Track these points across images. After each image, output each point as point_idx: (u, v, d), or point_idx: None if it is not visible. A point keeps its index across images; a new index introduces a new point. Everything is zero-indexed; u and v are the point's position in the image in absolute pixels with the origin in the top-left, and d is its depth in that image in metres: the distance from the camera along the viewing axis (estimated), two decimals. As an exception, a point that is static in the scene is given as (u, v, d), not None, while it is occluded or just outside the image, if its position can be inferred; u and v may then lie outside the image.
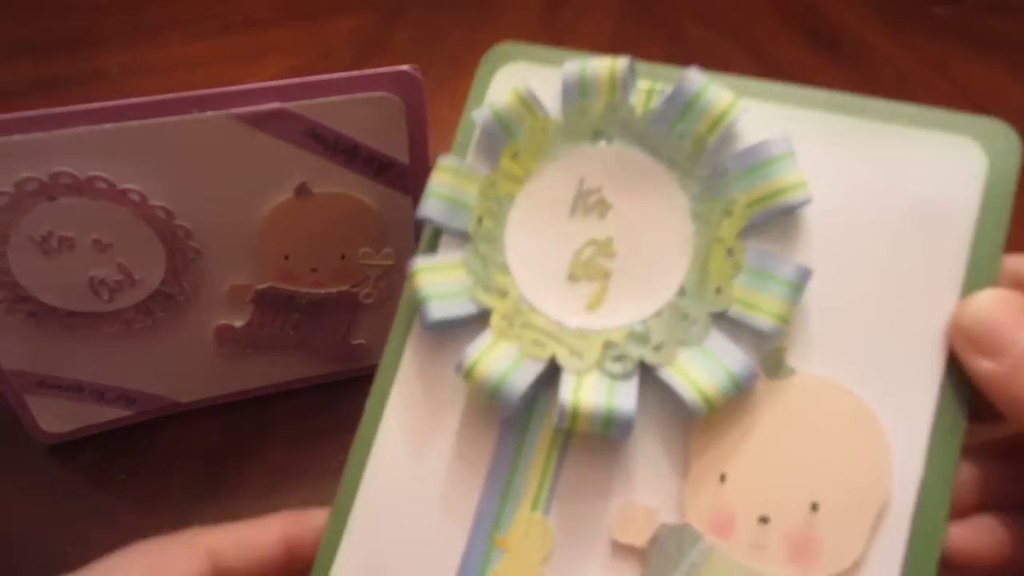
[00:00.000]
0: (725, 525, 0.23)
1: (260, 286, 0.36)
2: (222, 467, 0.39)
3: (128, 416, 0.39)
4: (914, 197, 0.23)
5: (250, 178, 0.33)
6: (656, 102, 0.25)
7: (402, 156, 0.34)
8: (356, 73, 0.31)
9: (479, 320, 0.25)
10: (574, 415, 0.23)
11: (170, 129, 0.30)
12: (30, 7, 0.64)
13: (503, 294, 0.25)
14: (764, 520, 0.22)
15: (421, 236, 0.27)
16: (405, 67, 0.32)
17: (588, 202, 0.25)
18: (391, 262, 0.37)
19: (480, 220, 0.26)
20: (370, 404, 0.26)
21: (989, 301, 0.21)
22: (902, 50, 0.61)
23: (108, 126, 0.30)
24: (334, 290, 0.37)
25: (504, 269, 0.25)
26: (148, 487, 0.38)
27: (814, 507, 0.22)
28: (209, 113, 0.30)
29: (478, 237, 0.26)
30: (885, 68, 0.58)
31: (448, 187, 0.26)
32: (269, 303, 0.37)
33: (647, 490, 0.23)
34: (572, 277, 0.25)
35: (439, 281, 0.25)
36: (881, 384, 0.22)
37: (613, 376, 0.23)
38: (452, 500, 0.24)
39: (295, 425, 0.40)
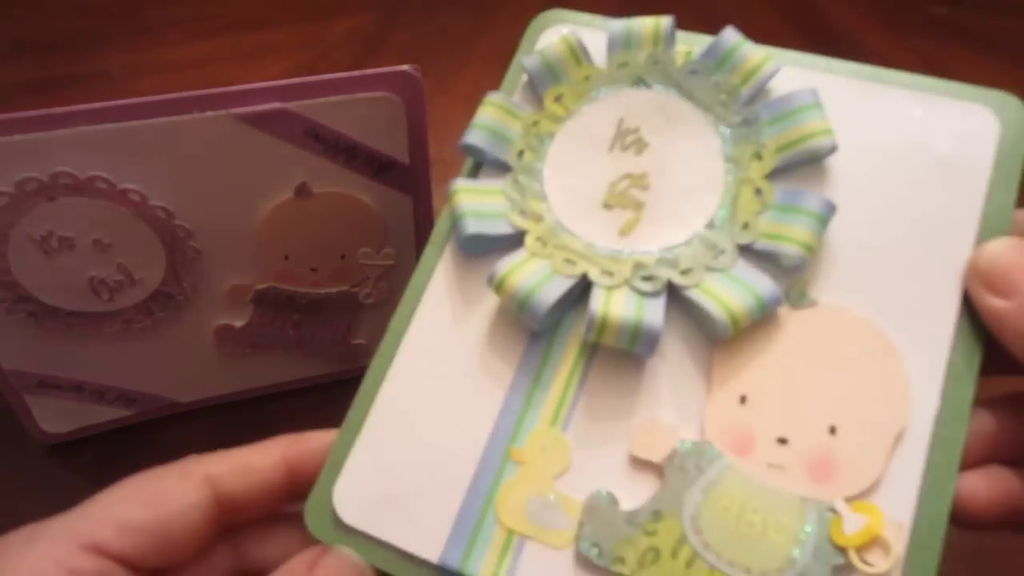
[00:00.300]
0: (744, 444, 0.23)
1: (260, 286, 0.36)
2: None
3: (128, 416, 0.39)
4: (934, 154, 0.25)
5: (250, 178, 0.33)
6: (693, 58, 0.27)
7: (402, 156, 0.34)
8: (356, 73, 0.31)
9: (512, 243, 0.26)
10: (602, 325, 0.23)
11: (170, 129, 0.30)
12: (30, 7, 0.64)
13: (538, 219, 0.26)
14: (783, 441, 0.23)
15: (464, 166, 0.28)
16: (405, 67, 0.32)
17: (626, 140, 0.26)
18: (391, 262, 0.37)
19: (521, 154, 0.27)
20: (395, 318, 0.26)
21: (1003, 246, 0.22)
22: (902, 50, 0.61)
23: (108, 126, 0.30)
24: (334, 290, 0.37)
25: (541, 197, 0.26)
26: (148, 487, 0.38)
27: (832, 430, 0.23)
28: (209, 113, 0.30)
29: (518, 168, 0.27)
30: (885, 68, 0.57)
31: (493, 120, 0.27)
32: (269, 303, 0.37)
33: (668, 409, 0.24)
34: (607, 205, 0.26)
35: (477, 202, 0.26)
36: (900, 319, 0.23)
37: (642, 293, 0.24)
38: (471, 412, 0.25)
39: (295, 425, 0.40)
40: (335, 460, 0.25)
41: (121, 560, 0.22)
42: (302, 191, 0.34)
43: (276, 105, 0.31)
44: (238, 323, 0.37)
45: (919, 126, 0.25)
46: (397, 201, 0.35)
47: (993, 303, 0.22)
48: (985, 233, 0.24)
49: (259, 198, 0.33)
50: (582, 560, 0.23)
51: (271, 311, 0.37)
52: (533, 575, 0.23)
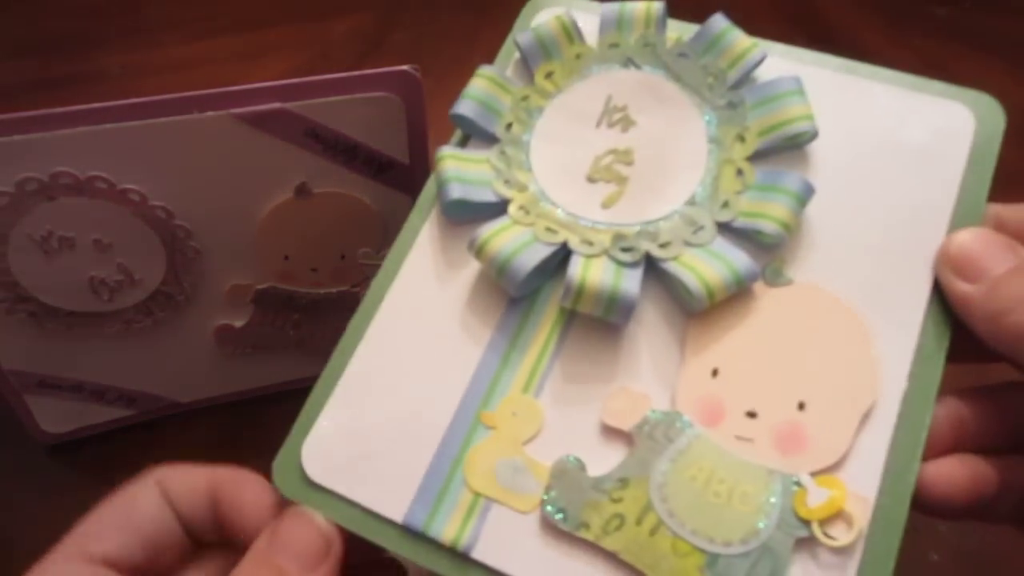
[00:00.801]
0: (714, 414, 0.23)
1: (260, 286, 0.36)
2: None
3: (128, 416, 0.39)
4: (911, 146, 0.25)
5: (250, 178, 0.33)
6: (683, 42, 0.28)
7: (402, 156, 0.34)
8: (356, 73, 0.31)
9: (496, 212, 0.26)
10: (580, 291, 0.24)
11: (170, 129, 0.30)
12: (30, 7, 0.64)
13: (522, 188, 0.26)
14: (752, 415, 0.23)
15: (453, 135, 0.28)
16: (405, 67, 0.32)
17: (613, 117, 0.27)
18: (391, 262, 0.37)
19: (509, 126, 0.27)
20: (376, 279, 0.27)
21: (973, 235, 0.23)
22: (902, 50, 0.61)
23: (108, 126, 0.30)
24: (334, 290, 0.37)
25: (527, 168, 0.27)
26: (148, 487, 0.38)
27: (801, 406, 0.23)
28: (209, 113, 0.30)
29: (505, 140, 0.27)
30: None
31: (483, 92, 0.28)
32: (269, 303, 0.37)
33: (640, 378, 0.24)
34: (590, 179, 0.26)
35: (463, 168, 0.27)
36: (873, 301, 0.24)
37: (620, 263, 0.24)
38: (445, 375, 0.25)
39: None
40: (307, 417, 0.25)
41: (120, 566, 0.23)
42: (302, 191, 0.34)
43: (276, 105, 0.31)
44: (238, 323, 0.37)
45: (898, 119, 0.26)
46: (397, 201, 0.35)
47: (961, 287, 0.23)
48: (957, 223, 0.24)
49: (259, 198, 0.33)
50: (547, 524, 0.23)
51: (271, 311, 0.37)
52: (497, 538, 0.23)
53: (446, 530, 0.23)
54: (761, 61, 0.26)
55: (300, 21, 0.64)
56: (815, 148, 0.26)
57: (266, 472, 0.38)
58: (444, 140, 0.29)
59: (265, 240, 0.35)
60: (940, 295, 0.24)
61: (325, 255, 0.36)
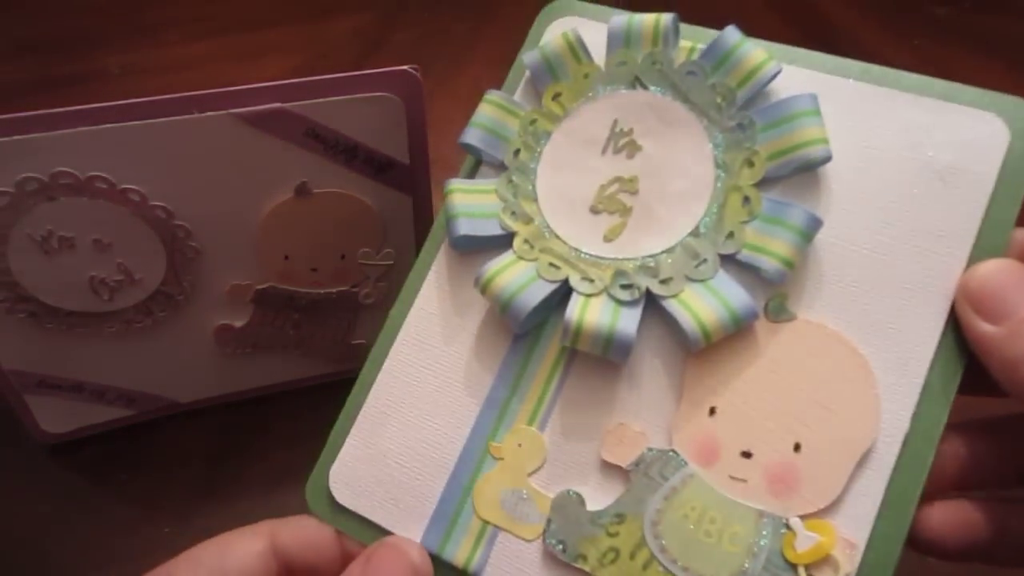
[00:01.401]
0: (709, 454, 0.23)
1: (260, 286, 0.36)
2: (222, 467, 0.39)
3: (128, 416, 0.39)
4: (934, 163, 0.24)
5: (250, 178, 0.33)
6: (694, 58, 0.27)
7: (402, 156, 0.34)
8: (356, 73, 0.31)
9: (503, 243, 0.26)
10: (577, 332, 0.24)
11: (170, 129, 0.30)
12: (30, 7, 0.64)
13: (528, 220, 0.26)
14: (747, 455, 0.23)
15: (464, 163, 0.29)
16: (405, 67, 0.32)
17: (619, 143, 0.26)
18: (391, 262, 0.37)
19: (517, 152, 0.27)
20: (394, 311, 0.28)
21: (997, 269, 0.21)
22: (902, 50, 0.61)
23: (108, 126, 0.30)
24: (334, 290, 0.37)
25: (532, 198, 0.27)
26: (148, 487, 0.38)
27: (797, 447, 0.23)
28: (209, 113, 0.30)
29: (513, 167, 0.27)
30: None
31: (491, 119, 0.28)
32: (269, 303, 0.37)
33: (639, 415, 0.24)
34: (594, 209, 0.26)
35: (471, 202, 0.27)
36: (880, 335, 0.23)
37: (619, 302, 0.24)
38: (455, 406, 0.26)
39: (295, 425, 0.40)
40: (334, 443, 0.27)
41: None
42: (302, 191, 0.34)
43: (276, 105, 0.31)
44: (238, 323, 0.37)
45: (923, 133, 0.24)
46: (397, 201, 0.35)
47: (981, 327, 0.21)
48: (980, 251, 0.23)
49: (259, 198, 0.33)
50: (548, 554, 0.24)
51: (271, 311, 0.37)
52: (503, 563, 0.24)
53: (458, 554, 0.24)
54: (774, 77, 0.25)
55: (300, 21, 0.64)
56: (829, 168, 0.25)
57: (267, 472, 0.38)
58: (444, 140, 0.29)
59: (265, 240, 0.35)
60: (955, 329, 0.22)
61: (325, 255, 0.36)
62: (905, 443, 0.22)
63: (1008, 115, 0.23)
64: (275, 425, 0.40)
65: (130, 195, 0.31)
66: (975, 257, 0.23)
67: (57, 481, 0.38)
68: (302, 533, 0.25)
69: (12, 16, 0.64)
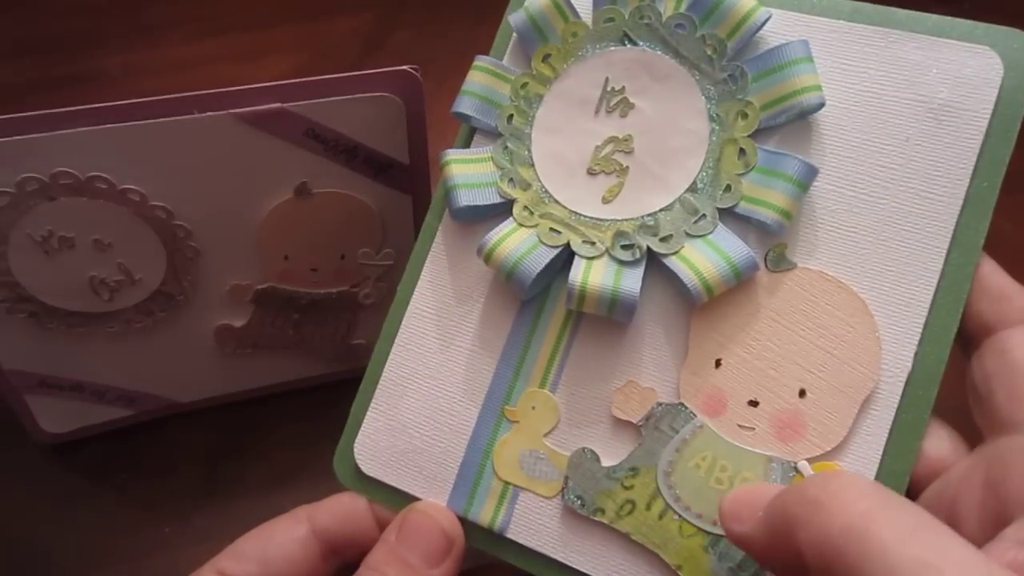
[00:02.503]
0: (717, 405, 0.24)
1: (260, 286, 0.36)
2: (222, 467, 0.39)
3: (128, 416, 0.39)
4: (928, 100, 0.24)
5: (250, 178, 0.33)
6: (682, 9, 0.26)
7: (402, 156, 0.34)
8: (356, 73, 0.31)
9: (503, 210, 0.26)
10: (582, 295, 0.24)
11: (170, 129, 0.30)
12: (30, 7, 0.64)
13: (526, 186, 0.26)
14: (753, 403, 0.24)
15: (459, 132, 0.29)
16: (405, 67, 0.32)
17: (611, 102, 0.26)
18: (391, 262, 0.37)
19: (510, 118, 0.27)
20: (401, 288, 0.28)
21: (739, 489, 0.22)
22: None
23: (108, 126, 0.30)
24: (334, 290, 0.37)
25: (529, 163, 0.27)
26: (148, 487, 0.38)
27: (802, 393, 0.24)
28: (209, 113, 0.30)
29: (507, 134, 0.27)
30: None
31: (482, 86, 0.28)
32: (269, 303, 0.37)
33: (647, 372, 0.25)
34: (591, 171, 0.26)
35: (468, 172, 0.27)
36: (879, 280, 0.24)
37: (621, 262, 0.25)
38: (469, 374, 0.27)
39: (295, 425, 0.40)
40: (356, 416, 0.28)
41: None
42: (302, 191, 0.34)
43: (276, 105, 0.31)
44: (238, 323, 0.37)
45: (917, 71, 0.24)
46: (397, 201, 0.35)
47: (737, 529, 0.21)
48: (975, 190, 0.23)
49: (259, 198, 0.33)
50: (568, 509, 0.25)
51: (271, 311, 0.37)
52: (526, 520, 0.25)
53: (482, 514, 0.26)
54: (764, 24, 0.25)
55: (300, 21, 0.64)
56: (824, 115, 0.25)
57: (266, 472, 0.38)
58: (444, 140, 0.29)
59: (265, 240, 0.35)
60: (955, 270, 0.23)
61: (325, 255, 0.36)
62: (908, 383, 0.23)
63: (1001, 46, 0.23)
64: (275, 425, 0.40)
65: (130, 195, 0.31)
66: (971, 193, 0.23)
67: (57, 481, 0.38)
68: (338, 509, 0.26)
69: (12, 16, 0.64)
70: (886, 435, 0.23)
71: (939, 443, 0.23)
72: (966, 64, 0.24)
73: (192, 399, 0.39)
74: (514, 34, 0.28)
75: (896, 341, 0.23)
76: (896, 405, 0.23)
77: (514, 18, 0.28)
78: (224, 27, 0.63)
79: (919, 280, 0.23)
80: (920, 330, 0.23)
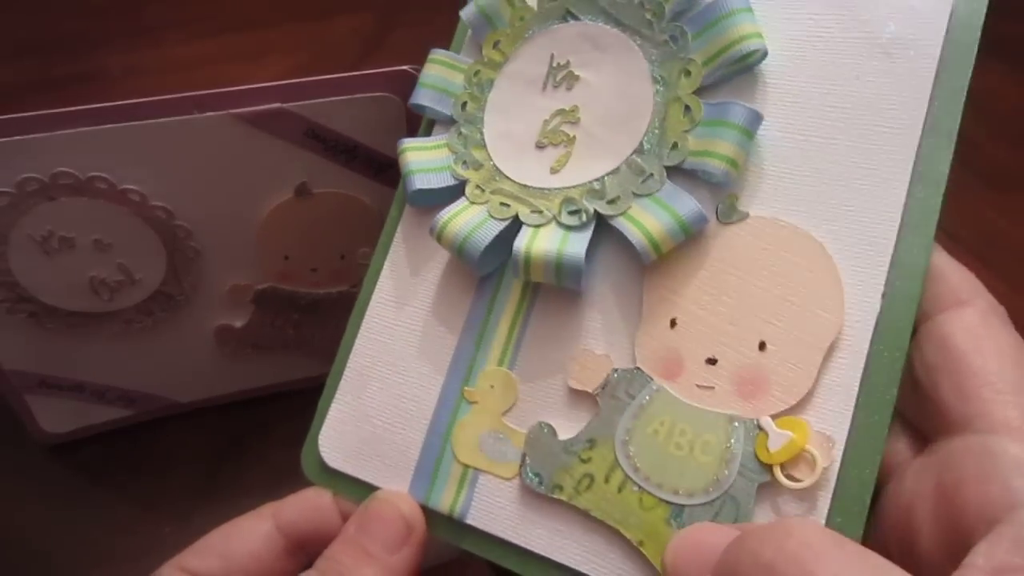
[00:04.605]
0: (674, 367, 0.23)
1: (260, 286, 0.36)
2: (222, 467, 0.39)
3: (128, 416, 0.39)
4: (876, 37, 0.23)
5: (250, 178, 0.33)
6: None
7: (402, 156, 0.34)
8: (356, 73, 0.31)
9: (457, 193, 0.26)
10: (526, 261, 0.24)
11: (170, 129, 0.30)
12: (30, 7, 0.64)
13: (478, 166, 0.27)
14: (712, 361, 0.23)
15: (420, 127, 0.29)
16: (405, 67, 0.32)
17: (557, 77, 0.27)
18: (391, 262, 0.37)
19: (464, 105, 0.28)
20: (367, 277, 0.28)
21: (677, 542, 0.21)
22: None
23: (108, 126, 0.30)
24: (334, 290, 0.37)
25: (481, 144, 0.27)
26: (148, 487, 0.38)
27: (762, 346, 0.23)
28: (209, 113, 0.30)
29: (462, 120, 0.28)
30: None
31: (437, 77, 0.28)
32: (269, 303, 0.37)
33: (602, 339, 0.24)
34: (539, 145, 0.26)
35: (424, 158, 0.27)
36: (839, 222, 0.23)
37: (568, 227, 0.24)
38: (428, 358, 0.26)
39: (295, 425, 0.40)
40: (322, 410, 0.27)
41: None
42: (302, 191, 0.34)
43: (276, 105, 0.31)
44: (238, 323, 0.37)
45: (863, 9, 0.24)
46: (397, 201, 0.35)
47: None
48: (933, 124, 0.22)
49: (259, 198, 0.33)
50: (527, 489, 0.24)
51: (271, 311, 0.37)
52: (486, 505, 0.24)
53: (443, 501, 0.25)
54: None
55: (300, 21, 0.64)
56: (770, 65, 0.24)
57: (266, 472, 0.38)
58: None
59: (265, 240, 0.35)
60: (922, 205, 0.22)
61: (325, 255, 0.36)
62: (877, 326, 0.21)
63: None
64: (275, 425, 0.40)
65: (130, 195, 0.31)
66: (928, 127, 0.22)
67: (57, 481, 0.38)
68: (303, 504, 0.26)
69: (12, 16, 0.64)
70: (856, 384, 0.21)
71: (894, 437, 0.22)
72: None
73: (192, 399, 0.39)
74: (468, 32, 0.29)
75: (861, 284, 0.22)
76: (866, 351, 0.21)
77: (465, 12, 0.28)
78: (224, 27, 0.63)
79: (881, 217, 0.22)
80: (886, 269, 0.22)
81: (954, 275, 0.22)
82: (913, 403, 0.22)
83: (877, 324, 0.22)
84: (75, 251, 0.32)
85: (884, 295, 0.22)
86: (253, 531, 0.25)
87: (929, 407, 0.21)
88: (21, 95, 0.57)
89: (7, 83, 0.59)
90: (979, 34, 0.23)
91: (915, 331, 0.22)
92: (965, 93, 0.22)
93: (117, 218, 0.32)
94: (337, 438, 0.27)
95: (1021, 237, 0.41)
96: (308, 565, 0.25)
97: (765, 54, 0.23)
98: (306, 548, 0.26)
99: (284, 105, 0.31)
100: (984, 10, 0.23)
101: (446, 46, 0.29)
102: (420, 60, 0.33)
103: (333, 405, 0.27)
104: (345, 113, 0.32)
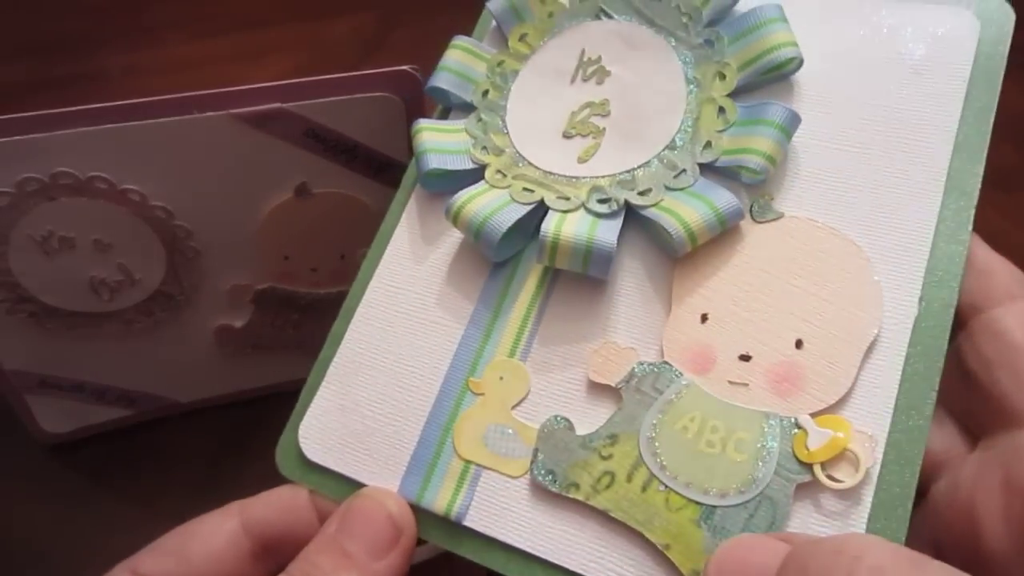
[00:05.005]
0: (705, 362, 0.22)
1: (260, 286, 0.36)
2: (222, 467, 0.39)
3: (128, 416, 0.39)
4: (907, 58, 0.24)
5: (250, 178, 0.33)
6: None
7: (402, 156, 0.34)
8: (356, 73, 0.31)
9: (474, 178, 0.26)
10: (554, 245, 0.23)
11: (170, 129, 0.30)
12: (30, 7, 0.64)
13: (499, 152, 0.26)
14: (745, 358, 0.22)
15: (435, 111, 0.29)
16: (405, 67, 0.32)
17: (588, 71, 0.26)
18: (391, 262, 0.37)
19: (485, 93, 0.27)
20: (366, 261, 0.27)
21: (726, 548, 0.19)
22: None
23: (108, 126, 0.30)
24: (334, 290, 0.37)
25: (503, 131, 0.26)
26: (148, 487, 0.38)
27: (799, 344, 0.22)
28: (209, 113, 0.30)
29: (482, 107, 0.27)
30: None
31: (459, 62, 0.28)
32: (269, 303, 0.37)
33: (627, 332, 0.23)
34: (567, 134, 0.26)
35: (440, 139, 0.27)
36: (873, 227, 0.23)
37: (597, 215, 0.24)
38: (431, 346, 0.25)
39: (295, 425, 0.40)
40: (304, 401, 0.26)
41: None
42: (302, 191, 0.34)
43: (276, 105, 0.31)
44: (238, 323, 0.37)
45: (893, 33, 0.24)
46: (397, 201, 0.35)
47: None
48: (963, 139, 0.23)
49: (259, 198, 0.33)
50: (537, 488, 0.22)
51: (271, 311, 0.37)
52: (488, 505, 0.23)
53: (438, 500, 0.23)
54: None
55: (300, 21, 0.64)
56: (802, 76, 0.24)
57: (266, 472, 0.38)
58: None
59: (265, 240, 0.35)
60: (954, 215, 0.22)
61: (325, 255, 0.36)
62: (915, 329, 0.21)
63: (976, 7, 0.24)
64: (275, 425, 0.40)
65: (130, 195, 0.31)
66: (959, 142, 0.23)
67: (57, 481, 0.38)
68: (274, 502, 0.24)
69: (12, 16, 0.64)
70: (896, 386, 0.21)
71: (940, 432, 0.22)
72: (942, 23, 0.24)
73: (192, 399, 0.39)
74: (492, 22, 0.28)
75: (898, 287, 0.22)
76: (904, 353, 0.21)
77: (493, 4, 0.28)
78: (224, 27, 0.63)
79: (916, 225, 0.22)
80: (922, 275, 0.22)
81: (1002, 270, 0.22)
82: (964, 398, 0.22)
83: (915, 327, 0.21)
84: (75, 251, 0.32)
85: (921, 299, 0.22)
86: (216, 531, 0.23)
87: (986, 401, 0.21)
88: (21, 95, 0.57)
89: (7, 83, 0.59)
90: (1005, 59, 0.23)
91: (964, 325, 0.22)
92: (993, 112, 0.23)
93: (117, 218, 0.32)
94: (320, 429, 0.25)
95: (1023, 238, 0.41)
96: (277, 572, 0.22)
97: (801, 62, 0.24)
98: (276, 552, 0.23)
99: (284, 105, 0.31)
100: (1009, 38, 0.23)
101: (446, 46, 0.29)
102: (420, 60, 0.33)
103: (320, 392, 0.25)
104: (345, 113, 0.32)
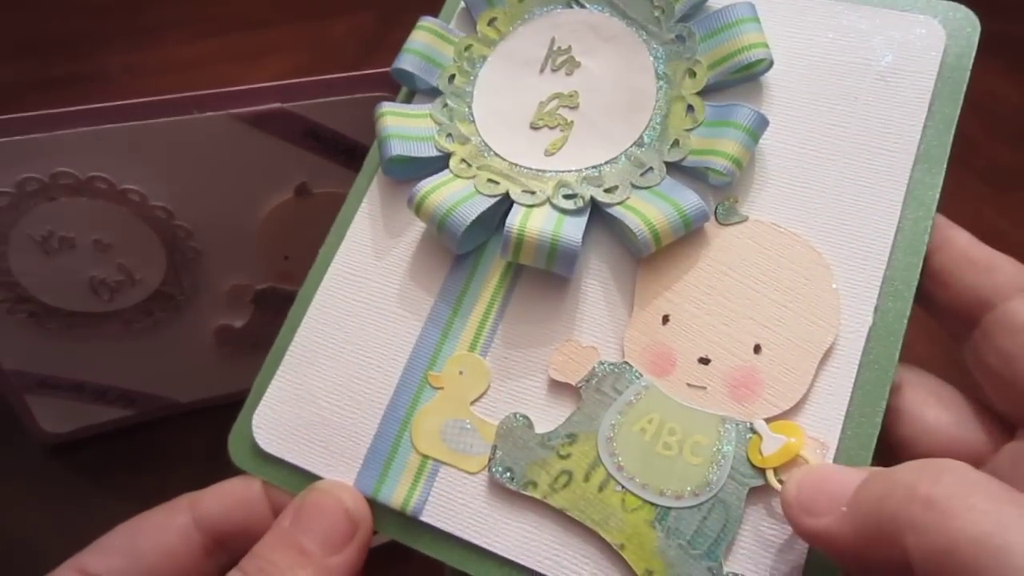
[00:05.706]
0: (665, 363, 0.23)
1: (260, 286, 0.36)
2: (222, 467, 0.39)
3: (128, 416, 0.39)
4: (875, 65, 0.24)
5: (250, 178, 0.33)
6: None
7: (402, 156, 0.34)
8: (356, 73, 0.31)
9: (438, 166, 0.25)
10: (519, 241, 0.23)
11: (170, 129, 0.30)
12: (30, 7, 0.64)
13: (465, 141, 0.25)
14: (704, 361, 0.22)
15: (399, 94, 0.28)
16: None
17: (557, 61, 0.26)
18: (391, 262, 0.37)
19: (452, 78, 0.27)
20: (324, 247, 0.26)
21: (803, 473, 0.20)
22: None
23: (108, 126, 0.30)
24: (334, 290, 0.37)
25: (469, 119, 0.26)
26: (148, 487, 0.38)
27: (757, 349, 0.22)
28: (209, 113, 0.30)
29: (448, 92, 0.26)
30: None
31: (425, 45, 0.27)
32: (269, 303, 0.37)
33: (589, 331, 0.23)
34: (534, 126, 0.26)
35: (404, 125, 0.26)
36: (834, 234, 0.23)
37: (563, 211, 0.23)
38: (390, 338, 0.24)
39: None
40: (258, 390, 0.25)
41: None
42: (302, 191, 0.34)
43: (276, 105, 0.31)
44: (238, 323, 0.37)
45: (862, 39, 0.24)
46: (397, 201, 0.35)
47: (812, 524, 0.19)
48: (926, 148, 0.23)
49: (259, 198, 0.33)
50: (495, 485, 0.22)
51: (271, 311, 0.37)
52: (445, 501, 0.22)
53: (395, 495, 0.23)
54: None
55: (300, 21, 0.64)
56: (771, 77, 0.24)
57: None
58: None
59: (265, 240, 0.35)
60: (912, 225, 0.22)
61: (325, 255, 0.36)
62: (869, 338, 0.22)
63: (943, 18, 0.24)
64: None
65: (130, 195, 0.31)
66: (922, 152, 0.23)
67: (57, 481, 0.38)
68: (226, 494, 0.23)
69: (12, 16, 0.64)
70: (848, 393, 0.21)
71: (977, 425, 0.22)
72: (910, 31, 0.24)
73: (192, 399, 0.39)
74: (461, 4, 0.28)
75: (855, 296, 0.22)
76: (858, 361, 0.21)
77: None
78: (224, 27, 0.63)
79: (875, 235, 0.22)
80: (879, 284, 0.22)
81: (1007, 264, 0.22)
82: (987, 392, 0.22)
83: (869, 336, 0.22)
84: (75, 251, 0.32)
85: (876, 309, 0.22)
86: (166, 526, 0.22)
87: (1011, 395, 0.21)
88: (21, 95, 0.57)
89: (7, 83, 0.59)
90: (969, 72, 0.24)
91: (976, 323, 0.22)
92: (955, 124, 0.23)
93: (117, 218, 0.32)
94: (274, 419, 0.24)
95: (1021, 237, 0.41)
96: (230, 567, 0.21)
97: (771, 64, 0.24)
98: (229, 546, 0.23)
99: (284, 105, 0.31)
100: (974, 50, 0.24)
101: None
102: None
103: (274, 382, 0.25)
104: (345, 113, 0.32)
